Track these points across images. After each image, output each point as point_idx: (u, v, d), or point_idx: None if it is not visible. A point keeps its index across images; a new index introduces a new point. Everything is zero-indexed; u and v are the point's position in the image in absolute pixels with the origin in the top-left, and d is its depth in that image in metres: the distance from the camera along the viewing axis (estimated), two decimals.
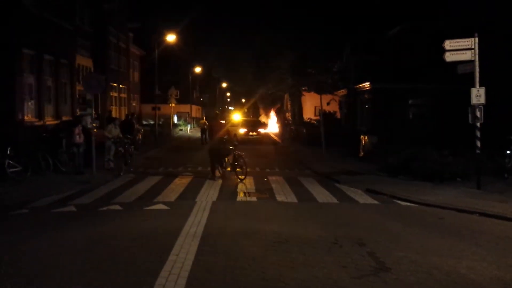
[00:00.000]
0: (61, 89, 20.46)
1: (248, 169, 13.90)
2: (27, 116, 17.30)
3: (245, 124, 32.18)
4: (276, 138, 36.00)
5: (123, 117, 27.36)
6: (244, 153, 14.49)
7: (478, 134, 11.94)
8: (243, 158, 13.85)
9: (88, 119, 16.46)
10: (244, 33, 31.73)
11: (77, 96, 22.45)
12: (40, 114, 18.17)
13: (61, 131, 15.46)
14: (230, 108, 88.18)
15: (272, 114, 47.25)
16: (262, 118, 44.29)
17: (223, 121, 16.04)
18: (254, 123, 33.34)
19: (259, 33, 30.77)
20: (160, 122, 35.75)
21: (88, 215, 8.97)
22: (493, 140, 13.21)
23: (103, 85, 15.59)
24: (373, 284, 5.42)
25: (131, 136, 17.53)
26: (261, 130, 32.21)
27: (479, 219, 9.15)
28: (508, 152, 13.79)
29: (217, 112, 16.61)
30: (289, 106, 42.46)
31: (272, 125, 44.97)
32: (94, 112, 15.75)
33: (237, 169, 13.80)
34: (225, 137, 14.32)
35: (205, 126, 31.99)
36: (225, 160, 14.22)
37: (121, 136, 16.21)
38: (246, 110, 55.17)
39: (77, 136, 14.67)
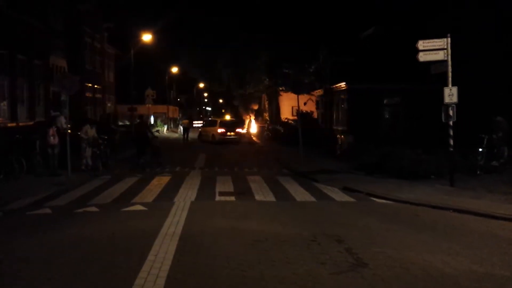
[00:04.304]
0: (34, 90, 20.06)
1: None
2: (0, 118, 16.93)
3: (223, 124, 32.10)
4: (254, 138, 36.05)
5: (98, 118, 27.03)
6: (160, 146, 18.88)
7: (451, 132, 12.20)
8: (159, 149, 18.52)
9: (63, 120, 16.17)
10: (221, 33, 31.73)
11: (51, 97, 22.05)
12: (13, 116, 17.79)
13: (35, 133, 15.16)
14: (207, 108, 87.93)
15: (250, 115, 47.34)
16: (245, 118, 44.34)
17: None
18: (232, 124, 33.28)
19: (236, 34, 30.82)
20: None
21: (64, 217, 8.83)
22: (465, 138, 13.52)
23: (77, 86, 15.35)
24: (351, 279, 5.51)
25: (106, 137, 17.31)
26: (239, 130, 32.18)
27: (453, 215, 9.37)
28: (480, 149, 14.14)
29: (142, 114, 21.45)
30: (267, 106, 42.62)
31: (250, 125, 45.03)
32: (68, 113, 15.49)
33: (154, 157, 18.08)
34: (148, 133, 18.26)
35: (188, 126, 33.56)
36: (145, 149, 17.86)
37: (96, 136, 16.00)
38: (223, 111, 55.07)
39: (52, 137, 14.43)
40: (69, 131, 14.81)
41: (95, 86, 31.71)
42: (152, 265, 5.83)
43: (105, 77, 35.69)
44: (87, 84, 29.23)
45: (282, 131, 30.74)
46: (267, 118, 40.67)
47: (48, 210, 9.50)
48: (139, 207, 9.70)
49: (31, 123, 18.42)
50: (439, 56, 12.16)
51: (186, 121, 36.57)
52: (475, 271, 5.85)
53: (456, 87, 12.04)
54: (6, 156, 13.35)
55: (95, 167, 15.28)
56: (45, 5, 21.68)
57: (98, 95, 32.75)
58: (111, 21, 35.32)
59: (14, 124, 17.48)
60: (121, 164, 17.96)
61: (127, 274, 5.52)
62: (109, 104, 36.86)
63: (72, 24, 26.08)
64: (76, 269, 5.76)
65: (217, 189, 12.28)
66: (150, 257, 6.15)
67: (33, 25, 19.77)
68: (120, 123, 34.89)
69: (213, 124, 32.77)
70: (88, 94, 30.04)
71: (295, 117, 29.51)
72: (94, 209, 9.60)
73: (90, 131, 15.93)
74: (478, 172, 13.76)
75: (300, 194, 11.64)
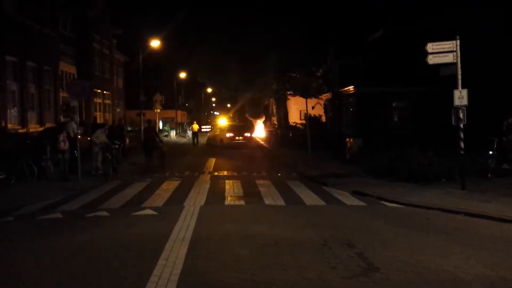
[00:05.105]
0: (44, 96, 20.27)
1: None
2: (10, 123, 17.09)
3: (231, 128, 32.13)
4: (262, 142, 36.04)
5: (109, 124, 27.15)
6: (166, 150, 20.01)
7: (462, 135, 12.10)
8: (165, 153, 19.41)
9: (74, 126, 16.29)
10: (228, 38, 31.80)
11: (61, 103, 22.25)
12: (23, 121, 17.97)
13: (46, 138, 15.28)
14: (215, 113, 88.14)
15: (252, 119, 47.34)
16: (254, 122, 44.42)
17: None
18: (240, 128, 33.32)
19: (244, 38, 30.86)
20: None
21: (75, 222, 8.88)
22: (476, 141, 13.41)
23: (87, 91, 15.46)
24: (363, 284, 5.47)
25: (118, 142, 17.42)
26: (247, 135, 32.21)
27: (465, 219, 9.28)
28: (491, 152, 14.02)
29: (150, 119, 21.89)
30: (274, 110, 42.57)
31: (258, 130, 45.04)
32: (78, 118, 15.64)
33: (161, 159, 18.71)
34: (156, 138, 19.12)
35: (196, 130, 34.04)
36: (153, 153, 18.54)
37: (107, 141, 16.10)
38: (232, 115, 55.12)
39: (62, 143, 14.52)
40: (79, 136, 14.91)
41: (104, 92, 31.94)
42: (163, 269, 5.83)
43: (114, 83, 35.95)
44: (96, 90, 29.44)
45: (290, 135, 30.71)
46: (275, 122, 40.61)
47: (59, 215, 9.55)
48: (149, 212, 9.72)
49: (41, 128, 18.58)
50: (449, 58, 12.08)
51: (195, 125, 36.88)
52: (488, 275, 5.78)
53: (466, 89, 11.95)
54: (16, 161, 13.48)
55: (105, 172, 15.36)
56: (54, 12, 21.91)
57: (107, 101, 32.98)
58: (119, 28, 35.64)
59: (24, 130, 17.66)
60: (131, 168, 18.05)
61: (138, 278, 5.53)
62: (118, 110, 37.09)
63: (81, 30, 26.34)
64: (86, 273, 5.78)
65: (227, 193, 12.27)
66: (161, 261, 6.16)
67: (43, 32, 19.98)
68: (129, 128, 35.08)
69: (221, 128, 32.82)
70: (97, 100, 30.25)
71: (303, 121, 29.46)
72: (104, 213, 9.64)
73: (101, 136, 16.04)
74: (489, 175, 13.63)
75: (309, 198, 11.60)
